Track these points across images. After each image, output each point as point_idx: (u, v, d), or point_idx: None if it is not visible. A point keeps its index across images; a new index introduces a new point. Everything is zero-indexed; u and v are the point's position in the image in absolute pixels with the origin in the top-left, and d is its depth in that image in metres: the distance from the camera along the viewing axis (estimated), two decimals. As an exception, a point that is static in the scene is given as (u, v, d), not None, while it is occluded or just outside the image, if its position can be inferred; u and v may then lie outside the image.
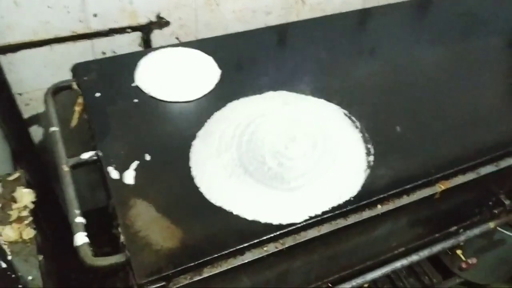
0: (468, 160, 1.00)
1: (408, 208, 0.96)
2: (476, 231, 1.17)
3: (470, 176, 1.01)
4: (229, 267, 0.82)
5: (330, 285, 1.13)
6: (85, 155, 0.94)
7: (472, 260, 1.16)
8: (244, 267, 0.83)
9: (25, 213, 0.98)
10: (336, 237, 0.94)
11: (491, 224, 1.18)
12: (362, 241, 1.05)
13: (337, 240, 0.98)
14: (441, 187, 0.98)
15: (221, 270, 0.81)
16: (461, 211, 1.21)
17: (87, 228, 0.83)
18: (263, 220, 0.85)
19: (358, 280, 1.06)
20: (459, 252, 1.17)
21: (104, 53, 1.31)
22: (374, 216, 0.92)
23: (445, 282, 1.66)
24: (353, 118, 1.06)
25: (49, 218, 1.40)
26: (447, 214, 1.17)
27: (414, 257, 1.11)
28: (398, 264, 1.10)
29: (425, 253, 1.12)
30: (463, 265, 1.15)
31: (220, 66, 1.19)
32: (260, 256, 0.84)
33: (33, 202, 1.01)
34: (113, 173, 0.91)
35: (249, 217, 0.85)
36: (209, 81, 1.13)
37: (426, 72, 1.22)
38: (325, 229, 0.88)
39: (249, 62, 1.24)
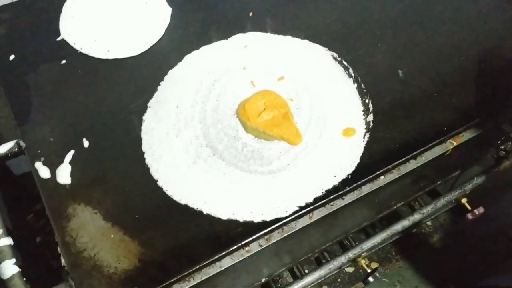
0: (487, 108, 0.82)
1: (413, 171, 0.80)
2: (484, 177, 1.02)
3: (487, 125, 0.83)
4: (204, 277, 0.66)
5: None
6: (3, 148, 0.72)
7: (479, 210, 1.04)
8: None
9: None
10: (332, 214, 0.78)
11: (501, 167, 1.03)
12: (359, 206, 0.90)
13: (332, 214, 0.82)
14: (453, 143, 0.81)
15: (194, 283, 0.66)
16: (465, 153, 1.05)
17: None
18: (241, 218, 0.67)
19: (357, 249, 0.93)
20: (464, 201, 1.04)
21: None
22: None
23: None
24: (345, 63, 0.84)
25: None
26: (451, 160, 1.02)
27: (417, 216, 0.97)
28: (399, 226, 0.96)
29: (428, 209, 0.98)
30: (470, 216, 1.03)
31: (170, 2, 0.92)
32: (242, 259, 0.68)
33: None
34: (43, 171, 0.70)
35: (224, 216, 0.67)
36: (157, 25, 0.87)
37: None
38: (317, 215, 0.72)
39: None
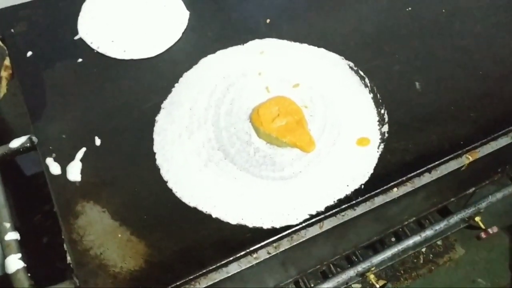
0: (504, 123, 0.80)
1: (427, 185, 0.78)
2: (499, 195, 1.00)
3: (503, 141, 0.82)
4: (210, 283, 0.65)
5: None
6: (15, 143, 0.72)
7: (493, 229, 1.01)
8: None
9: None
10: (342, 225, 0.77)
11: (516, 187, 1.01)
12: (370, 220, 0.88)
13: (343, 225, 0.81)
14: (469, 158, 0.79)
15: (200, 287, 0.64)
16: (480, 171, 1.03)
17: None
18: (250, 223, 0.66)
19: (366, 264, 0.91)
20: (477, 219, 1.02)
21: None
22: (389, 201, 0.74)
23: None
24: (361, 73, 0.83)
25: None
26: (465, 177, 1.00)
27: (428, 233, 0.95)
28: (410, 242, 0.94)
29: (440, 226, 0.96)
30: (483, 235, 1.01)
31: (188, 6, 0.92)
32: (249, 265, 0.67)
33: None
34: (53, 167, 0.70)
35: (233, 220, 0.66)
36: (174, 28, 0.87)
37: (450, 9, 0.96)
38: (328, 224, 0.70)
39: None
